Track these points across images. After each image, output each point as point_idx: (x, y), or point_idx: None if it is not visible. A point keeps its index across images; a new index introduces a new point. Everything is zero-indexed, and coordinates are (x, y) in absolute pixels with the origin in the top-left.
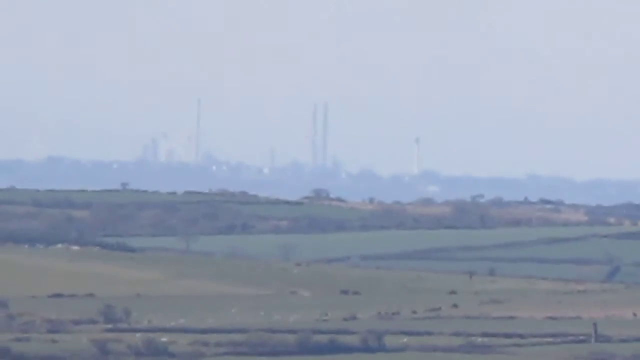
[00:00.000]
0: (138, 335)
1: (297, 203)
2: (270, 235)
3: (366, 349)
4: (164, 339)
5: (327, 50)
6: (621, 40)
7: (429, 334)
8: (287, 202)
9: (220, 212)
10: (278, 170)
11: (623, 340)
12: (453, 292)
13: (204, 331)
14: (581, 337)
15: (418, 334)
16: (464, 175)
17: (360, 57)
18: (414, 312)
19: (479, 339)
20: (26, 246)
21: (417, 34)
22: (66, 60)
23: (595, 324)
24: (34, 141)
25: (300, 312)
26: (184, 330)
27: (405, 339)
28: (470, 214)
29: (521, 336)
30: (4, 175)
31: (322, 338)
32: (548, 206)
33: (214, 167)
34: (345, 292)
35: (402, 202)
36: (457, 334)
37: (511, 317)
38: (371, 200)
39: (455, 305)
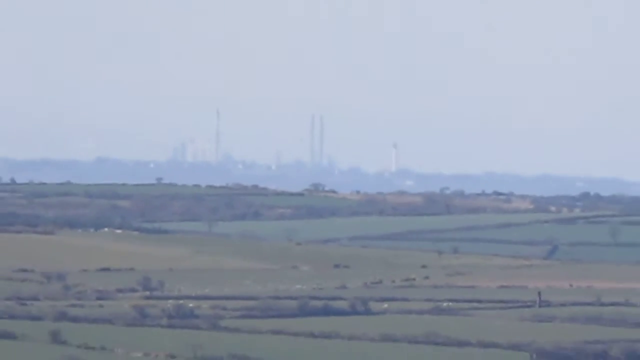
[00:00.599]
0: (170, 301)
1: (299, 194)
2: (276, 221)
3: (354, 312)
4: (190, 305)
5: (322, 68)
6: (571, 44)
7: (405, 300)
8: (291, 194)
9: (235, 202)
10: (283, 168)
11: (561, 305)
12: (424, 266)
13: (223, 298)
14: (528, 303)
15: (396, 299)
16: (433, 172)
17: (351, 72)
18: (393, 281)
19: (445, 304)
20: (79, 230)
21: (385, 51)
22: (111, 76)
23: (539, 292)
24: (86, 144)
25: (300, 283)
26: (207, 298)
27: (385, 305)
28: (438, 204)
29: (479, 301)
30: (62, 173)
31: (318, 303)
32: (501, 197)
33: (231, 165)
34: (337, 266)
35: (383, 193)
36: (428, 300)
37: (471, 287)
38: (358, 192)
39: (426, 277)
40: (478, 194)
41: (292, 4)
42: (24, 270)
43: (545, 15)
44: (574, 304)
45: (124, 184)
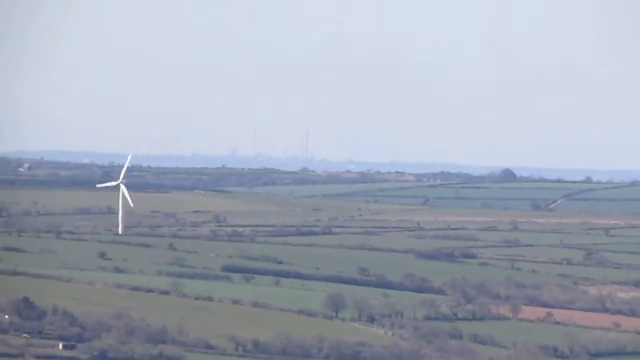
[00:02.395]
0: (229, 228)
1: (296, 172)
2: (284, 186)
3: (324, 233)
4: (241, 230)
5: (307, 99)
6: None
7: (350, 227)
8: (292, 172)
9: (263, 177)
10: (288, 159)
11: (430, 229)
12: (359, 210)
13: (256, 225)
14: (412, 228)
15: (345, 227)
16: (366, 160)
17: (329, 97)
18: (343, 217)
19: (371, 229)
20: (183, 191)
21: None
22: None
23: (417, 223)
24: (182, 142)
25: (296, 218)
26: (248, 225)
27: (339, 229)
28: (367, 177)
29: (387, 227)
30: (170, 162)
31: (305, 229)
32: (400, 173)
33: (260, 157)
34: (315, 209)
35: (339, 171)
36: (361, 227)
37: (383, 220)
38: (325, 172)
39: (360, 215)
40: (390, 173)
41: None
42: (155, 211)
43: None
44: (436, 229)
45: (204, 167)
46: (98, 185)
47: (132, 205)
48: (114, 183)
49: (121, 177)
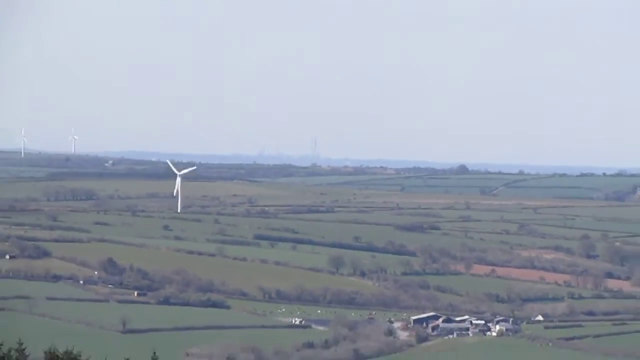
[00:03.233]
0: (258, 207)
1: (307, 167)
2: (299, 177)
3: (327, 211)
4: (267, 208)
5: (315, 110)
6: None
7: (347, 207)
8: (304, 167)
9: (283, 171)
10: (301, 157)
11: (407, 209)
12: (354, 194)
13: (277, 205)
14: (393, 208)
15: (344, 207)
16: (360, 158)
17: (333, 108)
18: (342, 200)
19: (362, 208)
20: (233, 180)
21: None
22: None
23: (397, 203)
24: (224, 145)
25: (307, 200)
26: (271, 205)
27: (339, 208)
28: (358, 170)
29: (374, 207)
30: (215, 160)
31: (314, 208)
32: (384, 168)
33: (281, 156)
34: (322, 194)
35: (338, 166)
36: (355, 207)
37: (372, 202)
38: (329, 166)
39: (355, 198)
40: (375, 167)
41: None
42: (204, 196)
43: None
44: (410, 208)
45: (241, 163)
46: (179, 173)
47: (174, 194)
48: (178, 173)
49: (179, 172)
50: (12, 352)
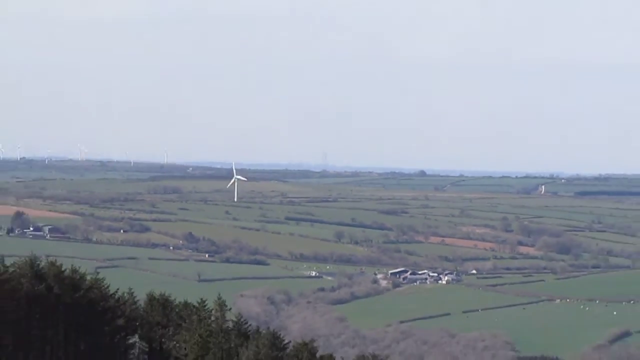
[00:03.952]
0: (288, 198)
1: (319, 172)
2: (315, 179)
3: (334, 201)
4: (293, 199)
5: (326, 125)
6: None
7: (346, 198)
8: (318, 172)
9: (304, 174)
10: (317, 165)
11: (386, 199)
12: (351, 190)
13: (301, 197)
14: (377, 199)
15: (345, 199)
16: (355, 166)
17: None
18: (344, 194)
19: (356, 200)
20: (265, 181)
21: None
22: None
23: (380, 197)
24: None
25: (320, 194)
26: (297, 197)
27: (341, 199)
28: (355, 174)
29: (364, 199)
30: (261, 167)
31: (324, 199)
32: (370, 172)
33: (302, 164)
34: (330, 190)
35: (341, 172)
36: (351, 199)
37: (363, 196)
38: (334, 172)
39: (352, 193)
40: (365, 172)
41: None
42: (252, 190)
43: None
44: (388, 199)
45: (275, 170)
46: (237, 178)
47: (227, 187)
48: (234, 178)
49: (235, 175)
50: (125, 295)
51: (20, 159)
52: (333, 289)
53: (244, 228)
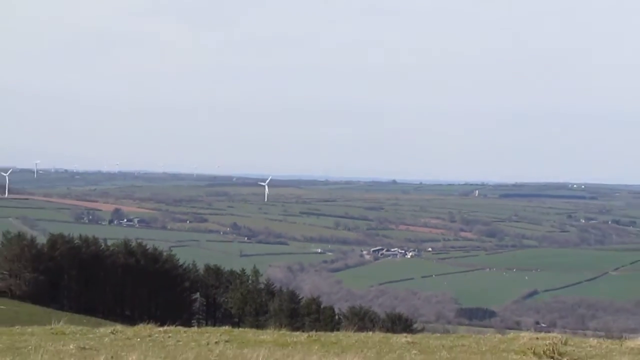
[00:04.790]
0: (301, 199)
1: (323, 181)
2: (320, 186)
3: (334, 201)
4: (305, 200)
5: (327, 148)
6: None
7: (341, 199)
8: (322, 181)
9: (312, 184)
10: (321, 176)
11: (369, 200)
12: (344, 194)
13: (311, 199)
14: (364, 200)
15: (340, 199)
16: (346, 178)
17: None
18: (340, 197)
19: (349, 200)
20: (284, 187)
21: None
22: None
23: (365, 199)
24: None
25: (324, 196)
26: (309, 198)
27: (339, 200)
28: (349, 183)
29: (354, 200)
30: (282, 177)
31: (326, 199)
32: (355, 183)
33: (311, 176)
34: (332, 194)
35: (338, 181)
36: (345, 200)
37: (353, 197)
38: (334, 182)
39: (345, 195)
40: (356, 182)
41: None
42: (277, 194)
43: None
44: (370, 200)
45: (293, 180)
46: (260, 183)
47: (261, 191)
48: (265, 184)
49: (265, 183)
50: (190, 265)
51: (117, 172)
52: (332, 261)
53: (271, 219)
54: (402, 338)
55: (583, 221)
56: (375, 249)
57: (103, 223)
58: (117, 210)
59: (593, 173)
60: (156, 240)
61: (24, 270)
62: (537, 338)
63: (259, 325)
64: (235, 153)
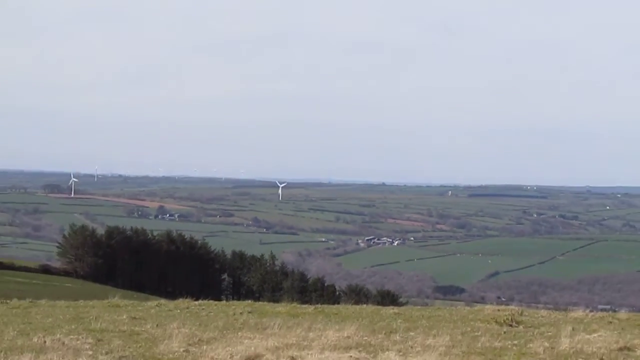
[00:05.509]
0: (308, 198)
1: (327, 183)
2: (324, 187)
3: (333, 199)
4: (312, 198)
5: (328, 159)
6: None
7: (338, 198)
8: (325, 183)
9: (317, 185)
10: (324, 179)
11: (364, 199)
12: (341, 195)
13: (316, 198)
14: (357, 198)
15: (338, 198)
16: (341, 180)
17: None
18: (337, 197)
19: (345, 199)
20: (297, 188)
21: None
22: None
23: (359, 198)
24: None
25: (326, 195)
26: (315, 197)
27: (338, 199)
28: (346, 185)
29: (351, 199)
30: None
31: (328, 198)
32: (349, 185)
33: (312, 179)
34: (330, 195)
35: (334, 184)
36: (342, 198)
37: (350, 197)
38: (332, 185)
39: (342, 196)
40: (350, 185)
41: None
42: (289, 194)
43: None
44: (359, 199)
45: (303, 183)
46: (281, 186)
47: (277, 192)
48: (280, 186)
49: (280, 185)
50: (220, 251)
51: (161, 176)
52: (334, 248)
53: (284, 214)
54: (390, 310)
55: (535, 216)
56: (368, 238)
57: (150, 217)
58: (161, 207)
59: (543, 177)
60: (192, 231)
61: (86, 255)
62: (499, 310)
63: (275, 300)
64: (256, 161)
